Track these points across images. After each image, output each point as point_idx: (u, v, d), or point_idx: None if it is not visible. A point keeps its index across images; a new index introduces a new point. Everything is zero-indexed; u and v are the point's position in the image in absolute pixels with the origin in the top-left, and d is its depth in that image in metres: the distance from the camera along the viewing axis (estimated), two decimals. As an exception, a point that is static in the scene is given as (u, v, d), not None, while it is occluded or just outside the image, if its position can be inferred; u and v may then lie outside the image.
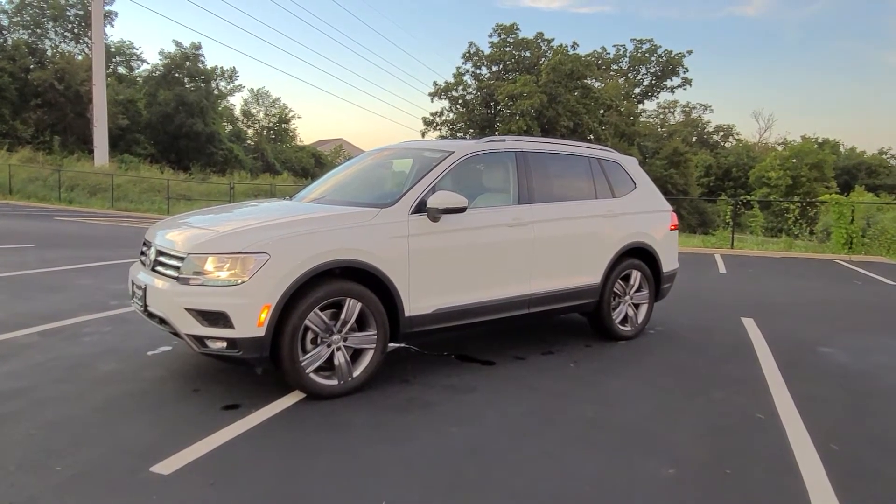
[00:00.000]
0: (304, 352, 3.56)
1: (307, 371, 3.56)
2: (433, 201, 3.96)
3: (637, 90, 50.43)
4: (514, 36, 45.62)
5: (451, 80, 46.36)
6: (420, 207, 4.01)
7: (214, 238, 3.63)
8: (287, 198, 5.18)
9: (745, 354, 5.04)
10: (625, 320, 5.36)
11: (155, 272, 3.76)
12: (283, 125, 53.07)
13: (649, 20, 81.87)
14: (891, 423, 3.64)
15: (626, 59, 50.21)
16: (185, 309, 3.41)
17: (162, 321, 3.61)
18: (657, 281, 5.60)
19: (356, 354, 3.78)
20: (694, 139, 62.02)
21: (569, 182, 5.14)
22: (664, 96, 54.77)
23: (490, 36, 46.29)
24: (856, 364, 4.88)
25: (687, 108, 63.68)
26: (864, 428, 3.56)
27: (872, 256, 14.14)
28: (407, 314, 3.91)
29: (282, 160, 46.27)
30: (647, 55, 49.49)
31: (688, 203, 42.59)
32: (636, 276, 5.39)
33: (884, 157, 59.11)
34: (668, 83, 50.42)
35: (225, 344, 3.40)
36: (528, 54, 45.76)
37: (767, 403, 3.87)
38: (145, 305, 3.70)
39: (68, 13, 36.95)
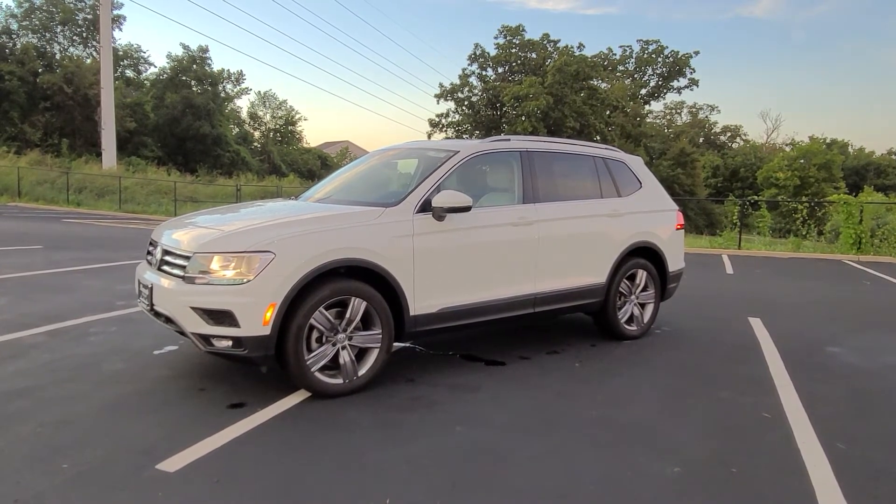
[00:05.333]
0: (310, 351, 3.57)
1: (312, 370, 3.56)
2: (438, 200, 3.97)
3: (643, 91, 50.19)
4: (519, 37, 45.58)
5: (457, 81, 46.38)
6: (425, 207, 4.01)
7: (220, 237, 3.64)
8: (292, 197, 5.19)
9: (752, 354, 5.01)
10: (630, 320, 5.34)
11: (161, 271, 3.78)
12: (290, 127, 53.21)
13: (655, 21, 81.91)
14: (900, 423, 3.61)
15: (633, 60, 49.99)
16: (191, 308, 3.43)
17: (168, 320, 3.63)
18: (663, 280, 5.58)
19: (361, 353, 3.78)
20: (701, 140, 61.85)
21: (574, 181, 5.13)
22: (671, 97, 54.55)
23: (496, 38, 46.26)
24: (863, 364, 4.84)
25: (694, 109, 63.62)
26: (872, 427, 3.53)
27: (881, 257, 14.03)
28: (412, 313, 3.91)
29: (288, 162, 46.41)
30: (653, 56, 49.27)
31: (695, 204, 42.44)
32: (642, 276, 5.37)
33: (893, 157, 58.84)
34: (675, 84, 50.12)
35: (230, 342, 3.42)
36: (533, 56, 45.70)
37: (774, 403, 3.85)
38: (151, 305, 3.72)
39: (77, 17, 37.22)
